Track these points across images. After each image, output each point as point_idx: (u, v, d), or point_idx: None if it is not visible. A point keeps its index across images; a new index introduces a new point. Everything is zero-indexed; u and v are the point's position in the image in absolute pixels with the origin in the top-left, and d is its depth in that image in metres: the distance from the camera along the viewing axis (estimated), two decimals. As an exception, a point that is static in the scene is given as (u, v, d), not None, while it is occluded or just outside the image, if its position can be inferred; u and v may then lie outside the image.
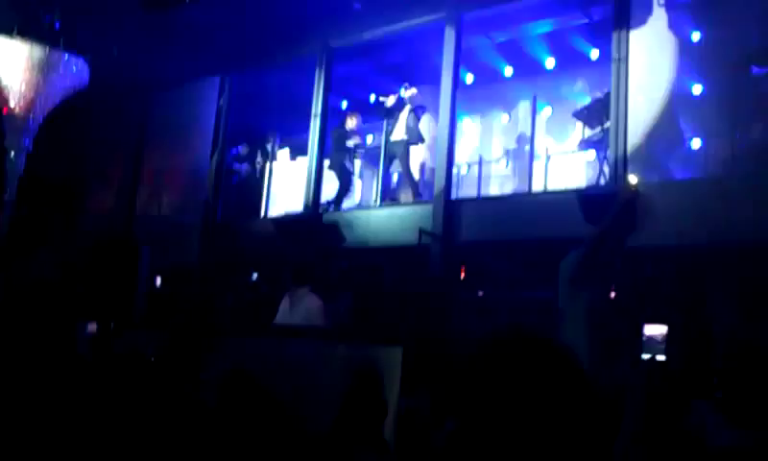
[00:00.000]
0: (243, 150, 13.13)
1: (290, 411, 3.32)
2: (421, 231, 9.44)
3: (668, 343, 7.16)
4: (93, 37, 11.94)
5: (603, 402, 1.52)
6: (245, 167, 13.17)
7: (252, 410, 3.14)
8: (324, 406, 4.69)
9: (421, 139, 10.94)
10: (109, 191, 14.30)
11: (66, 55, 11.76)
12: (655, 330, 7.22)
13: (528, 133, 10.98)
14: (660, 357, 6.91)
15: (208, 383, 3.50)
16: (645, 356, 7.01)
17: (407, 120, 10.81)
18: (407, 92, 10.97)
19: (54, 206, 13.33)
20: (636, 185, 5.06)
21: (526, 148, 11.17)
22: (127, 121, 14.39)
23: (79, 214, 13.65)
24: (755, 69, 8.41)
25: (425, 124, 11.59)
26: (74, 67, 11.88)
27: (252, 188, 12.82)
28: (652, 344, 7.21)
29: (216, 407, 2.96)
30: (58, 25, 11.53)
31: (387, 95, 11.16)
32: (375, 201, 11.02)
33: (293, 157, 12.43)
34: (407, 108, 10.91)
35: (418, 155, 11.46)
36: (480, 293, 9.20)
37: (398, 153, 10.89)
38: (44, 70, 11.65)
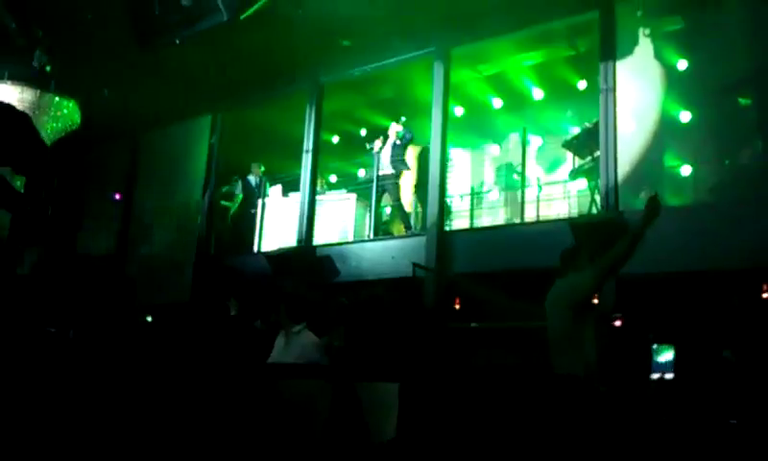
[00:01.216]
0: (233, 186, 13.18)
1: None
2: (415, 265, 9.46)
3: (677, 364, 7.23)
4: (84, 79, 12.01)
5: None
6: (236, 203, 13.22)
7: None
8: (321, 443, 4.68)
9: (406, 167, 11.08)
10: (102, 230, 14.29)
11: (57, 97, 11.82)
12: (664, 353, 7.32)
13: (518, 164, 11.07)
14: (669, 376, 6.99)
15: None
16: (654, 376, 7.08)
17: (392, 154, 10.98)
18: (391, 128, 11.16)
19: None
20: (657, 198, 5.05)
21: (517, 178, 11.25)
22: (119, 160, 14.44)
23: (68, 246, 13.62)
24: (740, 96, 8.53)
25: (412, 153, 11.71)
26: (65, 109, 11.94)
27: (245, 225, 12.84)
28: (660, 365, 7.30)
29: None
30: (48, 68, 11.59)
31: (373, 141, 11.32)
32: (369, 234, 11.05)
33: (285, 193, 12.47)
34: (391, 141, 11.08)
35: (408, 187, 11.55)
36: (474, 324, 9.19)
37: (388, 187, 10.99)
38: (35, 113, 11.70)
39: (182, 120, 13.42)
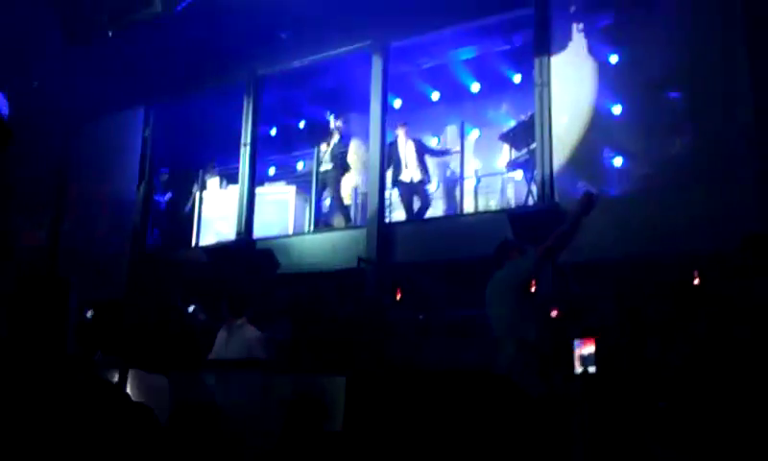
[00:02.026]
0: (164, 177, 13.00)
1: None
2: (360, 259, 9.51)
3: (598, 357, 7.35)
4: (13, 72, 11.63)
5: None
6: (168, 196, 13.04)
7: (200, 440, 3.14)
8: (267, 439, 4.67)
9: (347, 168, 11.14)
10: (34, 225, 13.88)
11: (-17, 88, 11.41)
12: (585, 346, 7.41)
13: (456, 156, 11.22)
14: (592, 369, 7.09)
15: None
16: (578, 370, 7.18)
17: (332, 150, 11.04)
18: (334, 123, 11.19)
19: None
20: (593, 198, 5.24)
21: (453, 170, 11.41)
22: (50, 153, 14.02)
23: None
24: (669, 89, 8.83)
25: (354, 150, 11.74)
26: (-8, 100, 11.54)
27: (182, 218, 12.67)
28: (583, 358, 7.38)
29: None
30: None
31: (319, 143, 11.37)
32: (309, 227, 11.05)
33: (223, 185, 12.34)
34: (334, 137, 11.12)
35: (349, 180, 11.58)
36: (419, 315, 9.30)
37: (329, 181, 11.03)
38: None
39: (115, 112, 13.12)
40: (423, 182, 10.81)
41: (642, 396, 5.76)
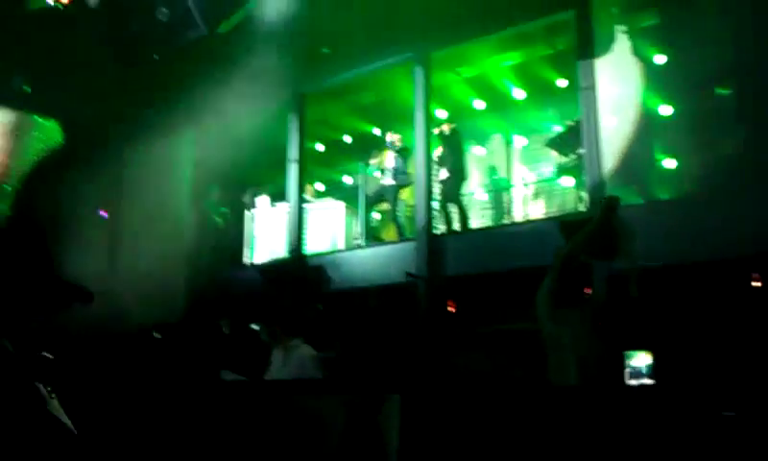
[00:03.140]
0: (214, 197, 13.20)
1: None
2: (408, 274, 9.50)
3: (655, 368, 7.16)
4: (65, 98, 11.97)
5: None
6: (222, 215, 13.23)
7: None
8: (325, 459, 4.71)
9: (408, 178, 11.04)
10: (89, 250, 14.20)
11: (38, 117, 11.78)
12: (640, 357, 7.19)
13: (503, 165, 11.15)
14: (648, 382, 6.91)
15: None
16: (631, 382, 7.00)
17: (394, 164, 10.94)
18: (391, 137, 11.10)
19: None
20: (612, 202, 5.15)
21: (502, 178, 11.34)
22: (102, 178, 14.35)
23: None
24: (718, 89, 8.65)
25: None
26: (46, 129, 11.91)
27: (234, 237, 12.84)
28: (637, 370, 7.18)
29: None
30: (27, 89, 11.56)
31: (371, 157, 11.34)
32: (358, 242, 11.09)
33: (272, 203, 12.49)
34: (392, 152, 11.05)
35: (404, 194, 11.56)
36: (471, 328, 9.26)
37: (389, 196, 10.98)
38: (17, 134, 11.65)
39: (166, 135, 13.37)
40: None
41: (706, 406, 5.64)
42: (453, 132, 10.62)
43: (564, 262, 5.12)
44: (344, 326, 9.43)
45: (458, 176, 10.52)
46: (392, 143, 11.08)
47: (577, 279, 5.23)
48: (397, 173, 10.94)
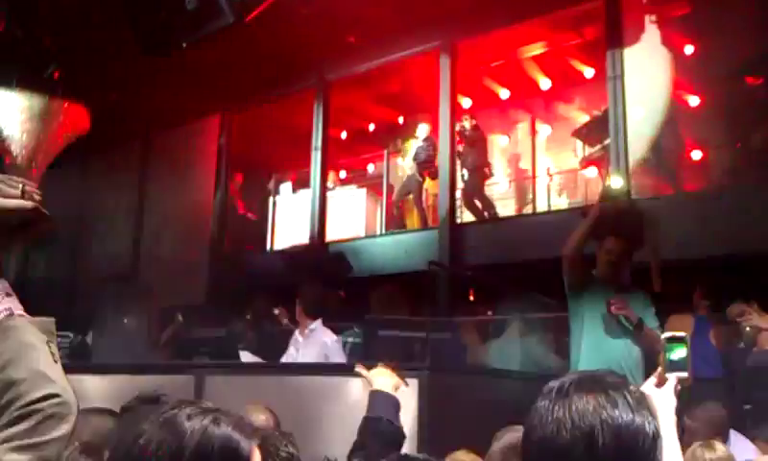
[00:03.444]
0: (238, 183, 13.26)
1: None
2: (431, 263, 9.46)
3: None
4: (92, 83, 12.04)
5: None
6: (244, 202, 13.30)
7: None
8: (342, 443, 4.70)
9: (434, 170, 10.95)
10: (113, 233, 14.35)
11: (66, 102, 11.86)
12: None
13: (528, 154, 11.07)
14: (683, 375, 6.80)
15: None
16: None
17: (420, 155, 10.90)
18: (419, 127, 11.07)
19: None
20: (611, 193, 5.08)
21: (527, 168, 11.25)
22: (128, 162, 14.49)
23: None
24: (749, 79, 8.50)
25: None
26: (74, 114, 11.98)
27: (257, 223, 12.90)
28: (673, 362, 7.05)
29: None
30: (56, 74, 11.64)
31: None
32: (381, 229, 11.08)
33: (294, 190, 12.52)
34: (419, 142, 11.01)
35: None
36: (492, 316, 9.20)
37: (413, 186, 10.96)
38: (44, 119, 11.74)
39: (192, 121, 13.45)
40: None
41: (730, 398, 5.55)
42: (474, 128, 10.56)
43: (573, 251, 5.06)
44: (365, 312, 9.41)
45: (480, 173, 10.49)
46: (420, 133, 10.98)
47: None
48: (422, 165, 10.92)
